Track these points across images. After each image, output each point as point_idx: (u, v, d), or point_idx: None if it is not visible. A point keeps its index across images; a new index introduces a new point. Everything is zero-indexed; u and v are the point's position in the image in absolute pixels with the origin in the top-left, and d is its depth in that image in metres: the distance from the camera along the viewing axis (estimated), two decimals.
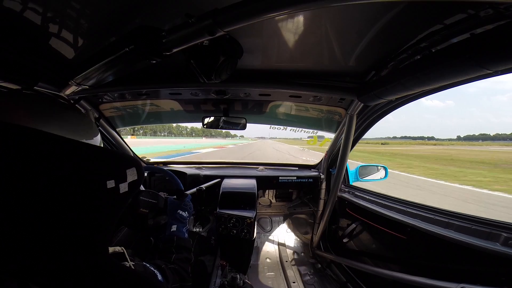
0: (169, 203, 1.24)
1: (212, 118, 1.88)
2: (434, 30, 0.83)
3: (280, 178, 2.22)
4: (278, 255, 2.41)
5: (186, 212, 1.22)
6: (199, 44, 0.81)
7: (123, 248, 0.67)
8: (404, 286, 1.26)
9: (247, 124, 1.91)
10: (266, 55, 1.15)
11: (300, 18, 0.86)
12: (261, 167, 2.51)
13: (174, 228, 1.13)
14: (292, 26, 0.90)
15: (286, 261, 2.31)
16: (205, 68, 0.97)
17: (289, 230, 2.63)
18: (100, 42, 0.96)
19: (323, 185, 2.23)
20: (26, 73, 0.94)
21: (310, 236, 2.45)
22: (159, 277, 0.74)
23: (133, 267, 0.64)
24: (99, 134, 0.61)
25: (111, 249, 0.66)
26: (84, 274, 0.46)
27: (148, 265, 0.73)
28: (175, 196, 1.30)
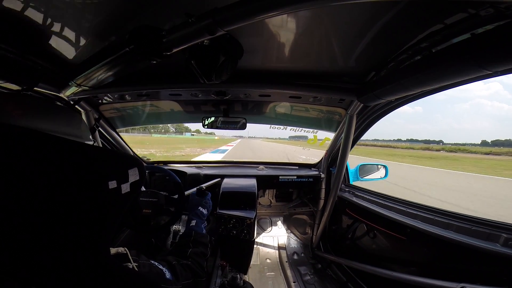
0: (191, 199, 1.28)
1: (212, 119, 1.88)
2: (434, 30, 0.83)
3: (280, 177, 2.22)
4: (278, 255, 2.41)
5: (206, 210, 1.25)
6: (199, 44, 0.81)
7: (126, 249, 0.67)
8: (404, 286, 1.26)
9: (247, 124, 1.91)
10: (266, 55, 1.15)
11: (300, 18, 0.86)
12: (261, 166, 2.50)
13: (193, 223, 1.15)
14: (292, 26, 0.90)
15: (286, 261, 2.31)
16: (205, 68, 0.97)
17: (289, 230, 2.63)
18: (100, 43, 0.96)
19: (323, 185, 2.22)
20: (26, 73, 0.94)
21: (310, 236, 2.45)
22: (167, 275, 0.73)
23: (136, 268, 0.64)
24: (90, 137, 0.61)
25: (114, 250, 0.65)
26: (85, 275, 0.46)
27: (156, 264, 0.72)
28: (195, 189, 1.33)
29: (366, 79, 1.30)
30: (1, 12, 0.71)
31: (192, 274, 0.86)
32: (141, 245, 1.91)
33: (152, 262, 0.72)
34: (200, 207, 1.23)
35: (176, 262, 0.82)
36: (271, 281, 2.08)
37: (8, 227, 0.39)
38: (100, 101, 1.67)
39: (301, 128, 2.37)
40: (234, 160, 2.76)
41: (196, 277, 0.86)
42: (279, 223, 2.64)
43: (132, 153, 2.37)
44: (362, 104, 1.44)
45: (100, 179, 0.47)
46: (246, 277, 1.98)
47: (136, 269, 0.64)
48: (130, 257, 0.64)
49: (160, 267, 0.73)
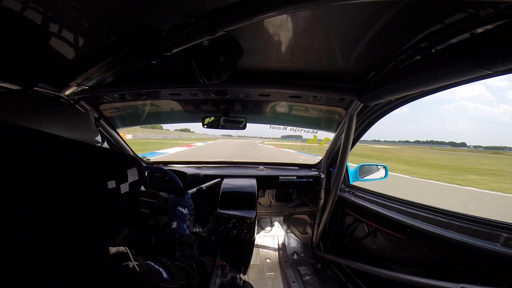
0: (169, 201, 1.24)
1: (212, 118, 1.88)
2: (434, 30, 0.83)
3: (280, 177, 2.22)
4: (278, 255, 2.41)
5: (186, 209, 1.21)
6: (199, 44, 0.81)
7: (126, 248, 0.67)
8: (404, 286, 1.26)
9: (247, 124, 1.91)
10: (266, 55, 1.15)
11: (300, 18, 0.86)
12: (261, 166, 2.50)
13: (174, 225, 1.12)
14: (292, 26, 0.90)
15: (286, 261, 2.31)
16: (205, 68, 0.97)
17: (289, 230, 2.63)
18: (100, 43, 0.96)
19: (323, 185, 2.22)
20: (26, 73, 0.94)
21: (310, 236, 2.45)
22: (165, 275, 0.73)
23: (137, 267, 0.64)
24: (99, 134, 0.62)
25: (114, 249, 0.66)
26: (84, 275, 0.46)
27: (152, 264, 0.73)
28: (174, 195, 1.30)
29: (366, 79, 1.30)
30: (1, 12, 0.71)
31: (185, 275, 0.85)
32: (140, 244, 1.91)
33: (149, 262, 0.73)
34: (179, 207, 1.19)
35: (170, 263, 0.82)
36: (271, 281, 2.08)
37: (8, 227, 0.39)
38: (100, 100, 1.67)
39: (300, 128, 2.38)
40: (235, 160, 2.76)
41: (188, 278, 0.86)
42: (279, 223, 2.64)
43: (132, 153, 2.37)
44: (362, 104, 1.44)
45: (99, 179, 0.47)
46: (246, 277, 1.98)
47: (137, 268, 0.64)
48: (130, 256, 0.64)
49: (157, 267, 0.73)
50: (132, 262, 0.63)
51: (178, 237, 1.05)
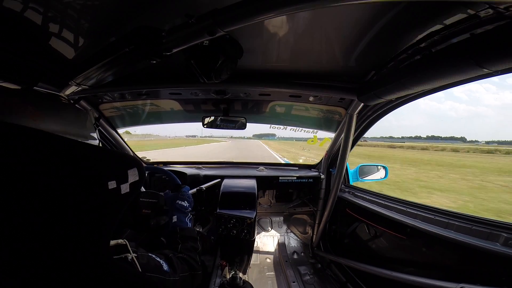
0: (166, 198, 1.24)
1: (212, 118, 1.89)
2: (434, 30, 0.83)
3: (280, 178, 2.22)
4: (278, 255, 2.41)
5: (185, 202, 1.20)
6: (199, 44, 0.82)
7: (125, 240, 0.66)
8: (404, 286, 1.26)
9: (247, 123, 1.92)
10: (266, 55, 1.15)
11: (300, 18, 0.86)
12: (261, 167, 2.50)
13: (175, 219, 1.12)
14: (292, 26, 0.90)
15: (286, 261, 2.31)
16: (205, 68, 0.97)
17: (289, 230, 2.63)
18: (100, 42, 0.96)
19: (323, 185, 2.23)
20: (26, 73, 0.94)
21: (310, 236, 2.45)
22: (165, 267, 0.72)
23: (135, 259, 0.64)
24: (97, 131, 0.61)
25: (113, 242, 0.65)
26: (85, 275, 0.46)
27: (153, 256, 0.72)
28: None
29: (366, 79, 1.30)
30: (1, 12, 0.71)
31: (188, 267, 0.84)
32: (141, 244, 1.90)
33: (150, 254, 0.72)
34: (178, 200, 1.18)
35: (172, 255, 0.82)
36: (271, 280, 2.09)
37: (8, 227, 0.39)
38: (100, 100, 1.67)
39: (300, 128, 2.38)
40: (235, 161, 2.76)
41: (192, 271, 0.85)
42: (279, 223, 2.65)
43: (132, 153, 2.37)
44: (362, 104, 1.44)
45: (99, 179, 0.47)
46: (246, 277, 1.98)
47: (136, 260, 0.63)
48: (129, 248, 0.64)
49: (158, 259, 0.72)
50: (131, 254, 0.63)
51: (179, 231, 1.04)
